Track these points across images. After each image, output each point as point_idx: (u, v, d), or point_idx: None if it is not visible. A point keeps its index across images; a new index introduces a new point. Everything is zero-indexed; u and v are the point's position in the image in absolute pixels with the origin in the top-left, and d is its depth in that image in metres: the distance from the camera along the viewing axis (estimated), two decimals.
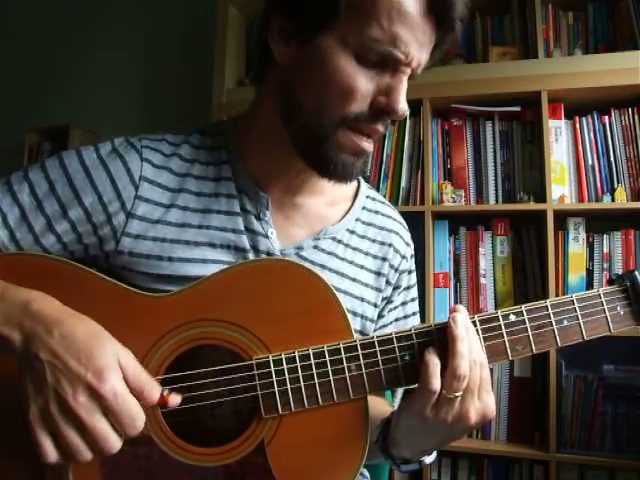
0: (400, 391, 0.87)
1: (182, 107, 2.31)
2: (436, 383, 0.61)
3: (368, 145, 0.69)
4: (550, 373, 1.69)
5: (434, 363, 0.62)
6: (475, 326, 0.64)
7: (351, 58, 0.64)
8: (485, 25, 2.02)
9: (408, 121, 1.93)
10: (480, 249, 1.88)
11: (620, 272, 0.71)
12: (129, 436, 0.56)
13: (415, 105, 1.90)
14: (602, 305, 0.68)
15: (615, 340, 1.66)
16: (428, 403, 0.61)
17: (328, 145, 0.67)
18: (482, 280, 1.87)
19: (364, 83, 0.64)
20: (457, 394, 0.61)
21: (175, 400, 0.60)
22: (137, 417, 0.56)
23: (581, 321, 0.67)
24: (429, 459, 0.73)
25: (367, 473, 0.85)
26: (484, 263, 1.88)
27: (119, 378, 0.56)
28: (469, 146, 1.93)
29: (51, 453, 0.54)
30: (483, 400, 0.62)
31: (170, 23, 2.47)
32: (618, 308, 0.68)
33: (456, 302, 1.89)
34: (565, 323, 0.67)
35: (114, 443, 0.55)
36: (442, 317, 1.87)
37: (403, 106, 0.66)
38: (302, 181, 0.77)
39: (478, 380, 0.62)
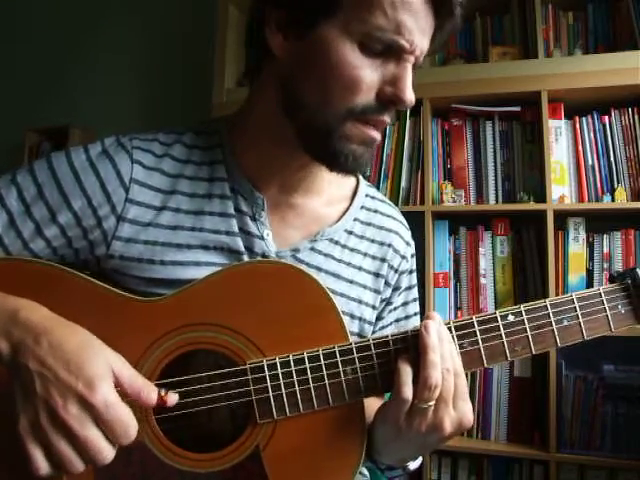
0: None
1: (182, 107, 2.32)
2: (408, 391, 0.59)
3: (376, 134, 0.67)
4: (550, 373, 1.69)
5: (406, 371, 0.60)
6: (450, 332, 0.63)
7: (355, 48, 0.62)
8: (485, 25, 2.02)
9: (408, 121, 1.93)
10: (480, 249, 1.88)
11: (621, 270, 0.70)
12: (122, 445, 0.55)
13: (415, 105, 1.89)
14: (603, 304, 0.66)
15: (615, 340, 1.67)
16: (401, 412, 0.60)
17: (336, 138, 0.65)
18: (482, 280, 1.87)
19: (369, 73, 0.63)
20: (430, 404, 0.59)
21: (173, 399, 0.60)
22: (129, 426, 0.55)
23: (581, 320, 0.65)
24: (414, 465, 0.72)
25: (367, 472, 0.85)
26: (484, 263, 1.88)
27: (110, 387, 0.55)
28: (469, 146, 1.93)
29: (42, 465, 0.53)
30: (459, 409, 0.61)
31: (170, 23, 2.47)
32: (619, 307, 0.67)
33: (456, 302, 1.89)
34: (565, 323, 0.65)
35: (107, 453, 0.54)
36: (442, 317, 1.87)
37: (410, 95, 0.65)
38: (299, 180, 0.75)
39: (452, 389, 0.60)
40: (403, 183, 1.92)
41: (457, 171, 1.92)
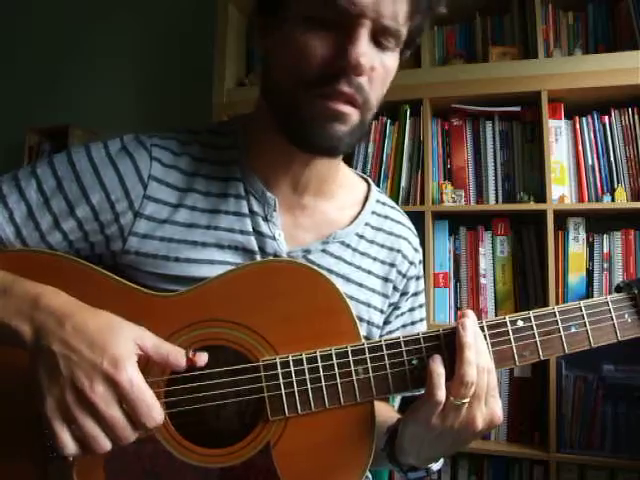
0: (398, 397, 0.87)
1: (182, 107, 2.32)
2: (441, 394, 0.60)
3: (342, 106, 0.64)
4: (550, 373, 1.69)
5: (438, 373, 0.61)
6: (483, 331, 0.64)
7: (301, 26, 0.63)
8: (485, 25, 2.02)
9: (408, 121, 1.93)
10: (480, 249, 1.88)
11: (623, 277, 0.71)
12: (144, 428, 0.56)
13: (415, 105, 1.90)
14: (610, 312, 0.67)
15: None
16: (434, 412, 0.61)
17: (302, 115, 0.65)
18: (482, 280, 1.87)
19: (316, 46, 0.62)
20: (464, 400, 0.60)
21: (202, 358, 0.60)
22: (153, 407, 0.55)
23: (589, 328, 0.66)
24: (436, 466, 0.72)
25: (369, 473, 0.85)
26: (484, 263, 1.88)
27: (135, 367, 0.56)
28: (469, 146, 1.93)
29: (69, 444, 0.54)
30: (490, 406, 0.62)
31: (170, 23, 2.47)
32: (626, 316, 0.68)
33: (456, 302, 1.89)
34: (573, 330, 0.66)
35: (130, 434, 0.55)
36: (442, 317, 1.87)
37: (355, 57, 0.61)
38: (309, 180, 0.75)
39: (485, 386, 0.61)
40: (403, 183, 1.92)
41: (457, 171, 1.92)
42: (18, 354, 0.58)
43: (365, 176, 0.88)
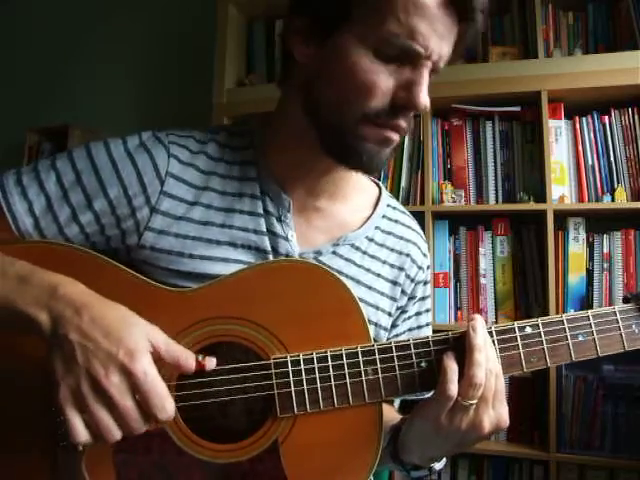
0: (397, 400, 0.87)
1: (182, 107, 2.31)
2: (453, 389, 0.61)
3: (392, 134, 0.68)
4: (550, 373, 1.69)
5: (452, 369, 0.62)
6: (492, 337, 0.65)
7: (369, 54, 0.64)
8: (485, 25, 2.01)
9: None
10: (480, 249, 1.88)
11: (623, 277, 0.71)
12: (156, 419, 0.56)
13: None
14: (617, 322, 0.68)
15: None
16: (444, 409, 0.62)
17: (351, 138, 0.67)
18: (482, 280, 1.87)
19: (384, 79, 0.64)
20: (472, 402, 0.61)
21: (211, 363, 0.62)
22: (166, 399, 0.56)
23: (596, 337, 0.67)
24: (439, 465, 0.73)
25: None
26: (484, 263, 1.88)
27: (149, 360, 0.57)
28: (469, 146, 1.93)
29: (81, 432, 0.54)
30: (497, 410, 0.63)
31: (170, 23, 2.47)
32: (633, 326, 0.68)
33: (456, 302, 1.89)
34: (580, 338, 0.67)
35: (142, 425, 0.56)
36: (442, 317, 1.87)
37: (424, 99, 0.66)
38: (325, 184, 0.77)
39: (493, 390, 0.62)
40: (403, 183, 1.93)
41: (457, 171, 1.92)
42: (32, 343, 0.58)
43: (376, 180, 0.90)
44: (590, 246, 1.80)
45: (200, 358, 0.61)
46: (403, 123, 0.68)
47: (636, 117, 1.77)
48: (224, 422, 0.67)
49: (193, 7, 2.41)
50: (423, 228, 1.82)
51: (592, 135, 1.82)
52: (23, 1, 2.70)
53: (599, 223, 1.82)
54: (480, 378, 0.61)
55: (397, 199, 1.92)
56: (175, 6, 2.46)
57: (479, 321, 0.64)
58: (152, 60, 2.49)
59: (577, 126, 1.83)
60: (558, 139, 1.82)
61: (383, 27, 0.62)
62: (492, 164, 1.89)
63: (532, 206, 1.79)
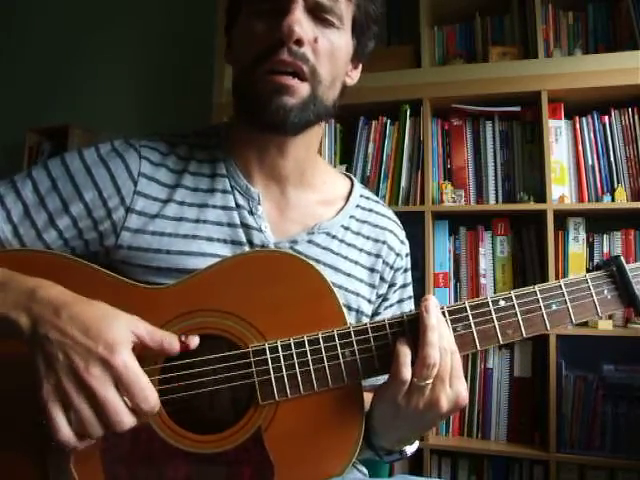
0: None
1: (182, 107, 2.32)
2: (406, 372, 0.62)
3: (284, 79, 0.69)
4: (550, 373, 1.69)
5: (404, 353, 0.63)
6: (444, 316, 0.66)
7: (249, 17, 0.72)
8: (485, 25, 2.02)
9: (408, 121, 1.93)
10: (480, 249, 1.88)
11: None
12: (140, 410, 0.57)
13: (415, 105, 1.90)
14: (589, 289, 0.69)
15: (615, 340, 1.67)
16: (400, 391, 0.63)
17: (253, 93, 0.70)
18: (482, 280, 1.87)
19: (260, 26, 0.70)
20: (427, 382, 0.62)
21: (194, 341, 0.63)
22: (148, 390, 0.57)
23: (569, 305, 0.68)
24: (410, 449, 0.74)
25: (365, 470, 0.85)
26: (484, 263, 1.88)
27: (129, 352, 0.57)
28: (469, 146, 1.93)
29: (64, 428, 0.55)
30: (454, 387, 0.63)
31: (170, 23, 2.47)
32: (605, 292, 0.69)
33: (456, 302, 1.88)
34: (554, 307, 0.68)
35: (126, 418, 0.56)
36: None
37: (286, 24, 0.66)
38: (285, 168, 0.78)
39: (449, 368, 0.63)
40: (403, 183, 1.92)
41: (457, 171, 1.92)
42: (18, 349, 0.59)
43: (348, 174, 0.92)
44: (590, 246, 1.80)
45: (183, 338, 0.63)
46: (285, 56, 0.68)
47: (636, 117, 1.77)
48: (209, 414, 0.68)
49: (193, 7, 2.41)
50: (423, 228, 1.84)
51: (592, 135, 1.82)
52: (24, 1, 2.70)
53: (599, 223, 1.82)
54: (434, 358, 0.61)
55: (397, 199, 1.94)
56: (175, 6, 2.46)
57: (432, 301, 0.65)
58: (152, 60, 2.49)
59: (577, 126, 1.83)
60: (558, 139, 1.82)
61: None
62: (492, 164, 1.89)
63: (532, 206, 1.79)
